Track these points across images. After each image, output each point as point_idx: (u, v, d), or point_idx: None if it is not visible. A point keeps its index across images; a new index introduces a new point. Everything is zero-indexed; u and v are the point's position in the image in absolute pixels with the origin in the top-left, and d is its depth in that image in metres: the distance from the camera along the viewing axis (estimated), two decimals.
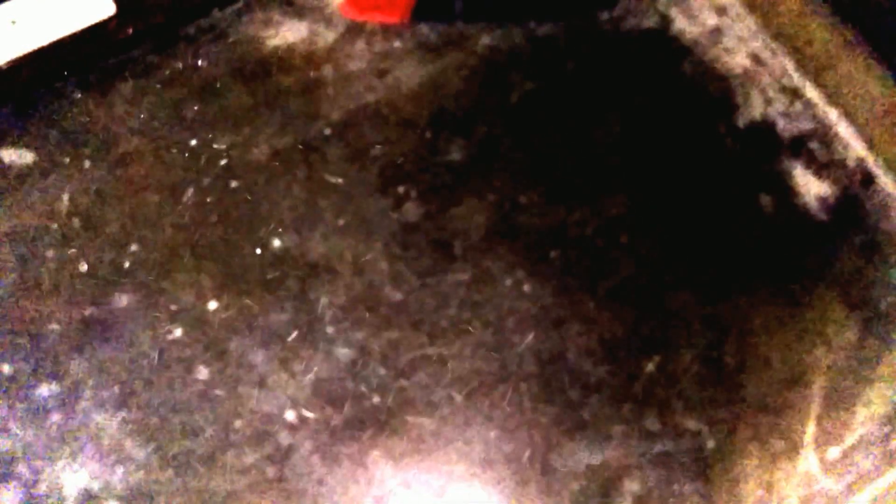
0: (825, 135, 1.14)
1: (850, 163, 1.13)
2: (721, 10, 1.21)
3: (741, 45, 1.19)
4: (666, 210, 1.08)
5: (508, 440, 0.94)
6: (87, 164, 1.02)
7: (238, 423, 0.92)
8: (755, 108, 1.15)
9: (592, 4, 1.19)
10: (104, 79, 1.07)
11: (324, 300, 0.98)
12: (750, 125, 1.14)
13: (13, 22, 1.01)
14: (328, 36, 1.12)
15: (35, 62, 1.02)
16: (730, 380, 1.00)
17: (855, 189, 1.12)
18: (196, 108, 1.06)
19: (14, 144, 1.02)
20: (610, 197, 1.08)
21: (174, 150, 1.04)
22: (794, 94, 1.17)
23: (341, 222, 1.02)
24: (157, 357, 0.94)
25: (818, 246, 1.08)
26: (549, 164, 1.09)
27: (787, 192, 1.10)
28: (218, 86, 1.08)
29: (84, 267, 0.97)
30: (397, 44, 1.13)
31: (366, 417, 0.93)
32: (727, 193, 1.10)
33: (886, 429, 1.00)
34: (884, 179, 1.13)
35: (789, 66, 1.18)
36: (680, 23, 1.19)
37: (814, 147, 1.14)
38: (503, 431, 0.95)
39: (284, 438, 0.92)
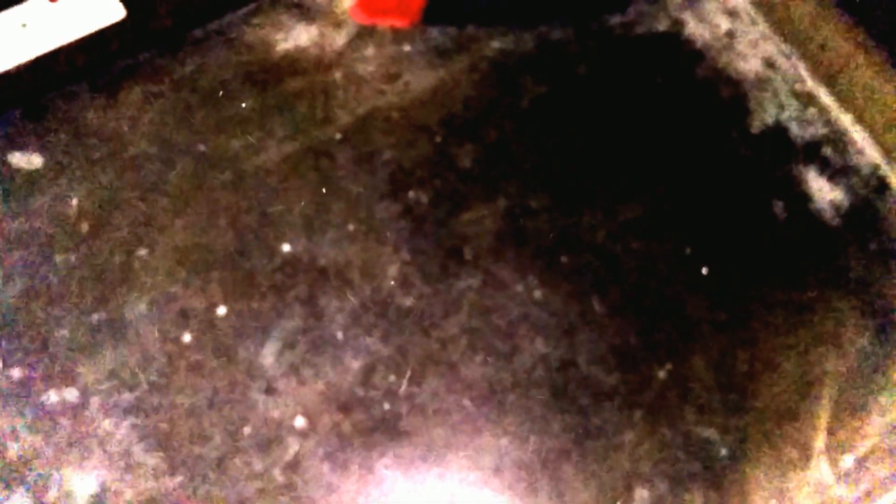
0: (839, 140, 1.13)
1: (865, 169, 1.12)
2: (733, 14, 1.20)
3: (754, 50, 1.18)
4: (678, 216, 1.07)
5: (519, 447, 0.94)
6: (95, 167, 1.02)
7: (247, 430, 0.91)
8: (768, 113, 1.14)
9: (603, 8, 1.18)
10: (113, 82, 1.06)
11: (333, 306, 0.98)
12: (763, 130, 1.13)
13: (23, 25, 1.01)
14: (338, 39, 1.12)
15: (44, 66, 1.02)
16: (742, 387, 0.99)
17: (869, 195, 1.11)
18: (205, 111, 1.06)
19: (23, 148, 1.02)
20: (621, 202, 1.07)
21: (183, 155, 1.04)
22: (808, 99, 1.16)
23: (351, 227, 1.02)
24: (166, 362, 0.93)
25: (831, 252, 1.07)
26: (560, 169, 1.08)
27: (800, 197, 1.10)
28: (227, 90, 1.08)
29: (93, 272, 0.97)
30: (407, 47, 1.13)
31: (375, 424, 0.93)
32: (740, 199, 1.09)
33: None
34: None
35: (803, 70, 1.17)
36: (692, 27, 1.19)
37: (827, 153, 1.13)
38: (514, 438, 0.94)
39: (294, 445, 0.91)
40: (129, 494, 0.88)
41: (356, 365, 0.95)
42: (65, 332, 0.94)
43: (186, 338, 0.94)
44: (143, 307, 0.95)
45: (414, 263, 1.01)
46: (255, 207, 1.02)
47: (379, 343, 0.96)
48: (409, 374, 0.95)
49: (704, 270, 1.02)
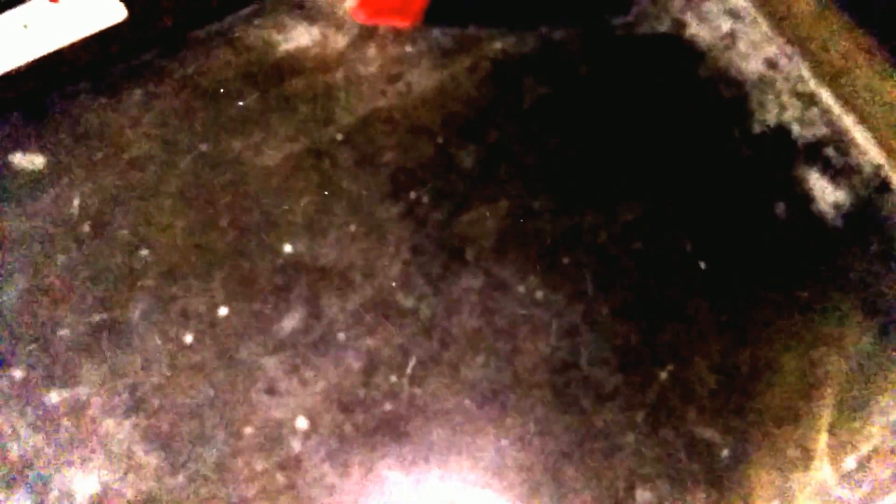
0: (841, 141, 1.13)
1: (867, 169, 1.12)
2: (735, 15, 1.20)
3: (756, 50, 1.18)
4: (680, 217, 1.07)
5: (520, 448, 0.94)
6: (97, 168, 1.02)
7: (248, 430, 0.91)
8: (770, 114, 1.14)
9: (606, 9, 1.18)
10: (115, 83, 1.06)
11: (335, 306, 0.98)
12: (765, 131, 1.13)
13: (25, 26, 1.01)
14: (340, 40, 1.12)
15: (46, 66, 1.02)
16: (743, 388, 0.99)
17: (871, 195, 1.11)
18: (206, 112, 1.06)
19: (25, 148, 1.02)
20: (623, 203, 1.07)
21: (185, 155, 1.04)
22: (810, 99, 1.16)
23: (352, 228, 1.02)
24: (167, 363, 0.93)
25: (833, 253, 1.07)
26: (562, 170, 1.08)
27: (802, 198, 1.10)
28: (228, 90, 1.08)
29: (95, 272, 0.97)
30: (409, 48, 1.13)
31: (377, 425, 0.93)
32: (742, 199, 1.09)
33: None
34: None
35: (804, 71, 1.17)
36: (694, 28, 1.19)
37: (829, 153, 1.13)
38: (515, 439, 0.94)
39: (295, 445, 0.91)
40: (130, 494, 0.88)
41: (357, 365, 0.95)
42: (66, 333, 0.94)
43: (188, 338, 0.94)
44: (144, 307, 0.95)
45: (415, 264, 1.01)
46: (257, 208, 1.02)
47: (380, 343, 0.96)
48: (410, 374, 0.95)
49: (703, 265, 1.02)
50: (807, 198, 1.10)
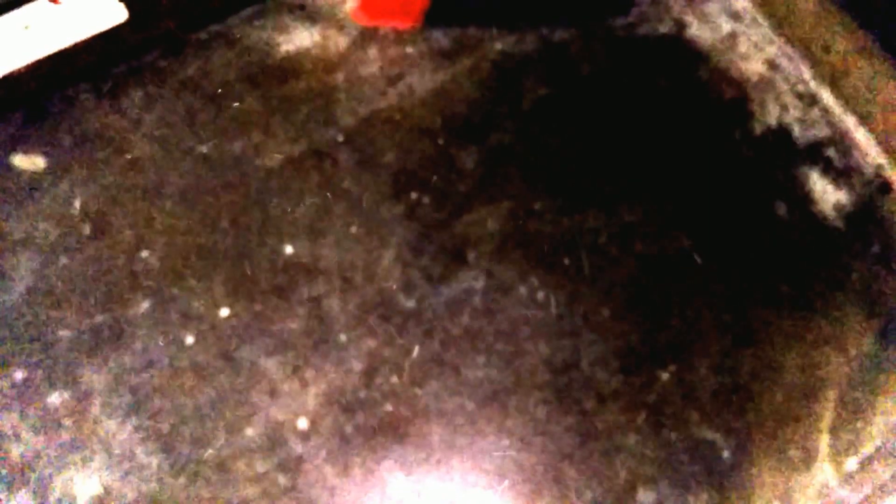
0: (842, 142, 1.13)
1: (868, 170, 1.12)
2: (736, 16, 1.20)
3: (756, 51, 1.18)
4: (680, 217, 1.07)
5: (521, 449, 0.94)
6: (98, 169, 1.02)
7: (250, 431, 0.91)
8: (771, 115, 1.14)
9: (606, 9, 1.18)
10: (116, 84, 1.06)
11: (336, 307, 0.98)
12: (766, 132, 1.13)
13: (26, 27, 1.01)
14: (341, 41, 1.12)
15: (47, 68, 1.02)
16: (745, 389, 0.99)
17: (872, 196, 1.11)
18: (207, 113, 1.06)
19: (26, 150, 1.02)
20: (624, 204, 1.07)
21: (186, 156, 1.04)
22: (811, 100, 1.16)
23: (353, 229, 1.02)
24: (168, 364, 0.93)
25: (835, 254, 1.07)
26: (563, 171, 1.08)
27: (803, 199, 1.10)
28: (229, 91, 1.08)
29: (96, 273, 0.97)
30: (410, 49, 1.13)
31: (378, 425, 0.93)
32: (743, 201, 1.09)
33: None
34: None
35: (805, 72, 1.17)
36: (695, 28, 1.19)
37: (830, 154, 1.13)
38: (516, 440, 0.94)
39: (296, 446, 0.91)
40: (131, 496, 0.88)
41: (358, 366, 0.95)
42: (67, 333, 0.94)
43: (189, 339, 0.94)
44: (145, 308, 0.95)
45: (416, 265, 1.01)
46: (258, 209, 1.02)
47: (381, 345, 0.96)
48: (411, 375, 0.95)
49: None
50: (808, 198, 1.10)
